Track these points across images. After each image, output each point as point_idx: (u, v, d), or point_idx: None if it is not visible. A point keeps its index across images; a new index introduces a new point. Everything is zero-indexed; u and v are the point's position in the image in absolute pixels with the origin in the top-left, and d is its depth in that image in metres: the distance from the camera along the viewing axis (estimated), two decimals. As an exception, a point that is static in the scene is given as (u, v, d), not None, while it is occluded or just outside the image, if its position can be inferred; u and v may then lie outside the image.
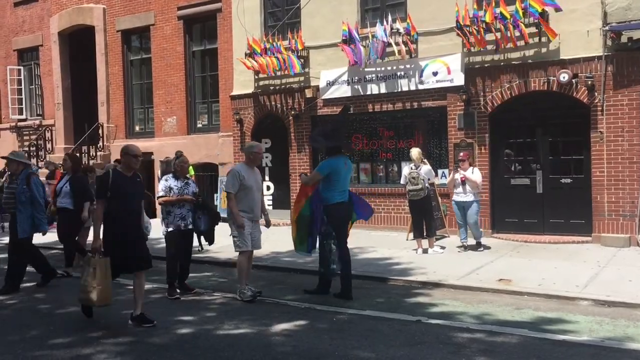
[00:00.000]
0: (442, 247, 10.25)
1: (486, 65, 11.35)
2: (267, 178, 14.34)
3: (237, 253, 7.31)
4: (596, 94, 10.33)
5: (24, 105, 19.82)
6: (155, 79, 16.44)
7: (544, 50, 10.77)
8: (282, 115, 13.85)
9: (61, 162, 11.20)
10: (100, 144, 17.31)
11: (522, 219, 11.30)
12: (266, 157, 14.34)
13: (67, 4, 18.16)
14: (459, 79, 11.43)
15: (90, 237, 10.33)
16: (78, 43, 18.16)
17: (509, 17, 10.56)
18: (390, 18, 11.99)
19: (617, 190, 10.25)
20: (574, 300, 6.93)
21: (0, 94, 20.33)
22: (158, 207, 14.69)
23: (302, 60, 13.21)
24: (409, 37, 11.80)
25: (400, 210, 12.28)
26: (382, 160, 12.94)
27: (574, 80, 10.45)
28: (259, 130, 14.34)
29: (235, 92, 14.58)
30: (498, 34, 10.75)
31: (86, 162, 16.36)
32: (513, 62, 11.07)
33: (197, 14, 15.58)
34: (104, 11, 17.28)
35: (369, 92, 12.57)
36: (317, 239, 7.36)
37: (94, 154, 17.14)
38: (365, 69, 12.44)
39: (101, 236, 6.17)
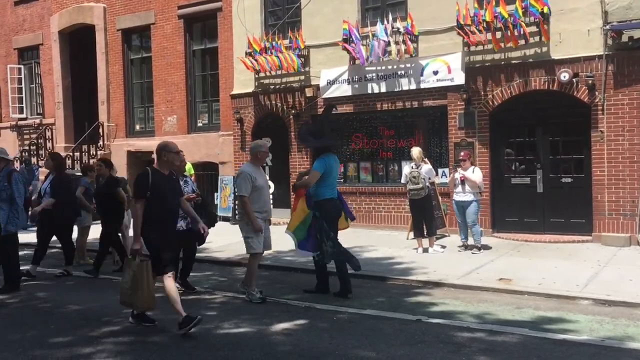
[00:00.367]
0: (443, 247, 10.25)
1: (487, 64, 11.34)
2: (267, 177, 14.31)
3: (243, 254, 7.27)
4: (597, 93, 10.32)
5: (24, 104, 19.82)
6: (156, 78, 16.43)
7: (544, 49, 10.76)
8: (283, 114, 13.85)
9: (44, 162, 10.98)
10: (101, 143, 17.31)
11: (522, 218, 11.30)
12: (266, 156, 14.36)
13: (67, 2, 18.16)
14: (459, 78, 11.42)
15: (91, 236, 10.52)
16: (78, 42, 18.16)
17: (507, 16, 10.55)
18: (390, 17, 11.98)
19: (617, 190, 10.25)
20: (575, 299, 6.93)
21: (1, 93, 20.32)
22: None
23: (303, 60, 13.21)
24: (409, 36, 11.79)
25: (401, 209, 12.27)
26: (383, 160, 12.94)
27: (574, 80, 10.44)
28: (259, 130, 14.34)
29: (235, 91, 14.58)
30: (498, 33, 10.74)
31: (86, 161, 16.37)
32: (513, 61, 11.06)
33: (198, 13, 15.57)
34: (105, 10, 17.27)
35: (369, 91, 12.56)
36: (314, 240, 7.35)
37: (94, 153, 17.13)
38: (366, 68, 12.44)
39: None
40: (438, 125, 12.16)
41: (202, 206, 7.87)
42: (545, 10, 10.38)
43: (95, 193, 9.72)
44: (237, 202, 14.05)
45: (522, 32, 10.56)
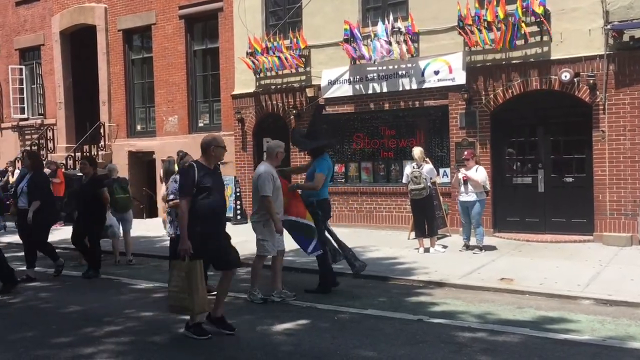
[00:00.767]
0: (444, 247, 10.24)
1: (488, 64, 11.34)
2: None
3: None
4: (598, 93, 10.32)
5: (25, 105, 19.84)
6: (157, 78, 16.44)
7: (545, 49, 10.76)
8: (284, 114, 13.85)
9: (21, 160, 10.60)
10: (102, 143, 17.32)
11: (523, 218, 11.30)
12: (268, 156, 14.38)
13: (68, 3, 18.17)
14: (460, 78, 11.42)
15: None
16: (80, 42, 18.17)
17: (504, 15, 10.54)
18: (391, 17, 11.98)
19: (619, 189, 10.24)
20: (576, 299, 6.92)
21: (2, 93, 20.35)
22: (159, 207, 14.80)
23: (304, 60, 13.21)
24: (409, 36, 11.78)
25: (402, 209, 12.27)
26: (384, 160, 12.94)
27: (575, 79, 10.44)
28: (260, 130, 14.35)
29: (236, 91, 14.59)
30: (499, 33, 10.74)
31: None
32: (514, 61, 11.05)
33: (199, 13, 15.58)
34: (106, 10, 17.29)
35: (370, 91, 12.57)
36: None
37: (95, 153, 17.14)
38: (367, 68, 12.44)
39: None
40: (439, 125, 12.16)
41: None
42: (541, 10, 10.36)
43: (78, 192, 9.53)
44: (238, 202, 14.16)
45: (522, 32, 10.54)
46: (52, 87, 18.73)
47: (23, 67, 19.90)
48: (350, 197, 13.06)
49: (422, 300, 7.09)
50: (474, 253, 9.71)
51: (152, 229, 13.49)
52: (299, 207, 7.28)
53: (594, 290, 7.16)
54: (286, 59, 13.12)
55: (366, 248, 10.29)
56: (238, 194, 14.32)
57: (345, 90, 12.81)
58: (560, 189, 10.98)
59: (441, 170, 11.91)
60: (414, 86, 12.01)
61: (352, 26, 12.28)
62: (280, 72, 13.59)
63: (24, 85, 19.78)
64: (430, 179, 10.15)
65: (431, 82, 11.79)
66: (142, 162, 16.85)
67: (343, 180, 13.35)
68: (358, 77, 12.66)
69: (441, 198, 11.44)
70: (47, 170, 14.90)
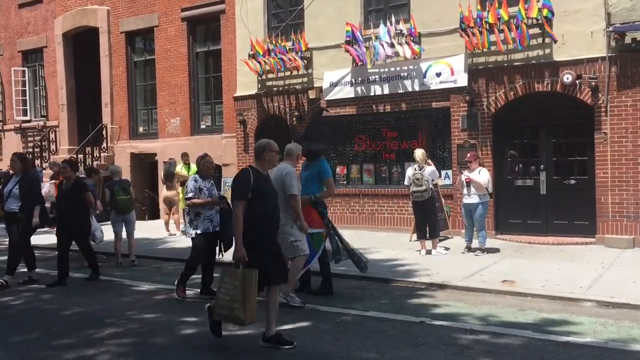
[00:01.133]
0: (446, 249, 10.24)
1: (489, 66, 11.34)
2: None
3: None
4: (600, 95, 10.31)
5: (28, 107, 19.87)
6: (159, 80, 16.47)
7: (547, 51, 10.76)
8: (286, 116, 13.86)
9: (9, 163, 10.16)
10: (104, 145, 17.35)
11: (525, 220, 11.29)
12: (269, 158, 14.38)
13: (71, 5, 18.21)
14: (462, 80, 11.42)
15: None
16: (82, 44, 18.20)
17: (508, 18, 10.54)
18: (393, 19, 11.99)
19: (621, 192, 10.23)
20: (578, 301, 6.91)
21: (5, 95, 20.40)
22: (161, 209, 14.82)
23: (306, 62, 13.23)
24: (411, 38, 11.79)
25: (404, 211, 12.26)
26: (386, 161, 12.93)
27: (577, 81, 10.43)
28: (262, 132, 14.33)
29: (238, 93, 14.60)
30: (501, 35, 10.74)
31: (90, 163, 16.41)
32: (516, 63, 11.05)
33: (201, 15, 15.60)
34: (108, 13, 17.32)
35: (372, 93, 12.57)
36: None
37: (97, 155, 17.18)
38: (369, 70, 12.45)
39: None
40: (441, 127, 12.16)
41: (229, 212, 7.83)
42: (545, 12, 10.37)
43: (57, 197, 9.18)
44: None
45: (524, 34, 10.54)
46: (55, 89, 18.77)
47: (26, 69, 19.95)
48: (352, 199, 13.06)
49: (424, 303, 7.08)
50: (475, 255, 9.70)
51: (153, 230, 13.52)
52: (313, 218, 7.13)
53: (596, 292, 7.15)
54: (289, 60, 13.12)
55: (368, 250, 10.24)
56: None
57: (347, 92, 12.82)
58: (562, 191, 10.97)
59: (443, 172, 11.90)
60: (416, 88, 12.02)
61: (354, 28, 12.29)
62: (282, 74, 13.60)
63: (27, 87, 19.82)
64: (432, 180, 10.15)
65: (433, 84, 11.80)
66: (144, 164, 16.87)
67: (345, 182, 13.35)
68: (360, 79, 12.67)
69: (443, 200, 11.44)
70: (49, 172, 14.99)
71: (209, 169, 7.67)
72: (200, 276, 7.60)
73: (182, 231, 13.49)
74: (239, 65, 14.36)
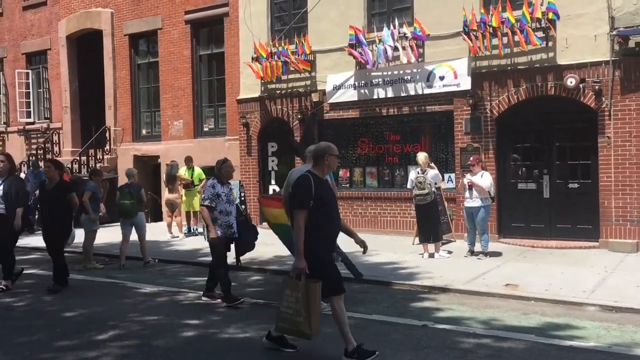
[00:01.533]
0: (449, 252, 10.22)
1: (493, 69, 11.33)
2: (273, 182, 14.37)
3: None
4: (603, 98, 10.29)
5: (31, 109, 19.90)
6: (162, 82, 16.49)
7: (551, 54, 10.75)
8: (289, 119, 13.86)
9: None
10: (107, 147, 17.38)
11: (528, 224, 11.27)
12: (272, 161, 14.41)
13: (75, 8, 18.26)
14: (465, 84, 11.41)
15: (98, 240, 10.53)
16: (86, 47, 18.25)
17: (514, 21, 10.55)
18: (397, 22, 12.00)
19: (624, 196, 10.20)
20: (581, 305, 6.90)
21: (9, 98, 20.44)
22: (164, 211, 14.83)
23: (309, 64, 13.23)
24: (415, 41, 11.79)
25: (406, 214, 12.25)
26: (389, 165, 12.93)
27: (581, 85, 10.41)
28: (265, 134, 14.37)
29: (241, 96, 14.62)
30: (505, 39, 10.74)
31: (93, 165, 16.43)
32: (520, 67, 11.04)
33: (205, 18, 15.63)
34: (112, 15, 17.37)
35: (375, 97, 12.57)
36: None
37: (100, 157, 17.20)
38: (372, 73, 12.45)
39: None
40: (444, 130, 12.16)
41: (246, 218, 7.84)
42: (551, 15, 10.38)
43: (39, 197, 8.92)
44: (243, 207, 14.16)
45: (532, 37, 10.52)
46: (58, 91, 18.81)
47: (29, 71, 19.98)
48: (355, 202, 13.05)
49: (426, 306, 7.07)
50: (478, 259, 9.68)
51: (156, 232, 13.52)
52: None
53: (599, 296, 7.13)
54: (294, 62, 13.13)
55: (370, 253, 10.21)
56: (243, 198, 14.31)
57: (351, 95, 12.83)
58: (565, 195, 10.95)
59: (446, 176, 11.88)
60: (419, 91, 12.02)
61: (358, 31, 12.30)
62: (285, 77, 13.61)
63: (31, 90, 19.85)
64: (435, 184, 10.14)
65: (436, 87, 11.79)
66: (147, 166, 16.89)
67: (348, 185, 13.35)
68: (363, 82, 12.67)
69: (446, 203, 11.42)
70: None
71: (229, 174, 7.64)
72: (206, 279, 7.61)
73: (185, 233, 13.54)
74: (242, 68, 14.38)
